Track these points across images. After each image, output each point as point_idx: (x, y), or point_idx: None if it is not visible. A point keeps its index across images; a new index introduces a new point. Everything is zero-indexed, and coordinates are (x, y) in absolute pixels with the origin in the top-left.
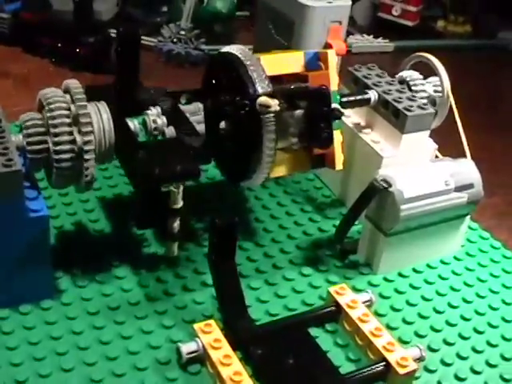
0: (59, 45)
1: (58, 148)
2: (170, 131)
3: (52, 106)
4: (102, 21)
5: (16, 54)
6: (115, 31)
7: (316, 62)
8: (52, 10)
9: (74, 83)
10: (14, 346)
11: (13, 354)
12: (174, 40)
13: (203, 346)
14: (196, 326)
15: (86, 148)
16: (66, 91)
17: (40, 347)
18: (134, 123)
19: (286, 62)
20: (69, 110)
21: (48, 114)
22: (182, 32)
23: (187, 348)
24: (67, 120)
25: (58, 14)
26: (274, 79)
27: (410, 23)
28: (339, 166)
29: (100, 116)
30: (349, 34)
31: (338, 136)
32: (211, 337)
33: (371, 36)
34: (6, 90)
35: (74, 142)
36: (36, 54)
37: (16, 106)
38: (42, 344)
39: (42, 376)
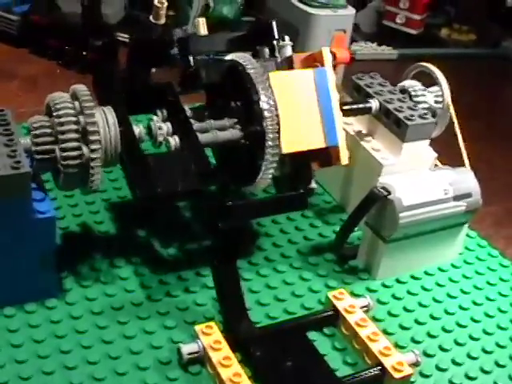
0: (66, 47)
1: (64, 154)
2: (174, 141)
3: (60, 113)
4: (110, 24)
5: (23, 56)
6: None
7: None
8: (60, 13)
9: (82, 88)
10: (18, 343)
11: (17, 352)
12: None
13: (204, 347)
14: (197, 327)
15: (93, 156)
16: (74, 96)
17: (44, 345)
18: (139, 128)
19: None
20: (76, 116)
21: (56, 120)
22: None
23: (188, 349)
24: (74, 126)
25: (66, 17)
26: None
27: (414, 31)
28: (345, 160)
29: (106, 122)
30: (353, 40)
31: (342, 132)
32: (211, 338)
33: (375, 43)
34: (13, 91)
35: (80, 148)
36: (43, 56)
37: (22, 107)
38: (47, 342)
39: (45, 373)
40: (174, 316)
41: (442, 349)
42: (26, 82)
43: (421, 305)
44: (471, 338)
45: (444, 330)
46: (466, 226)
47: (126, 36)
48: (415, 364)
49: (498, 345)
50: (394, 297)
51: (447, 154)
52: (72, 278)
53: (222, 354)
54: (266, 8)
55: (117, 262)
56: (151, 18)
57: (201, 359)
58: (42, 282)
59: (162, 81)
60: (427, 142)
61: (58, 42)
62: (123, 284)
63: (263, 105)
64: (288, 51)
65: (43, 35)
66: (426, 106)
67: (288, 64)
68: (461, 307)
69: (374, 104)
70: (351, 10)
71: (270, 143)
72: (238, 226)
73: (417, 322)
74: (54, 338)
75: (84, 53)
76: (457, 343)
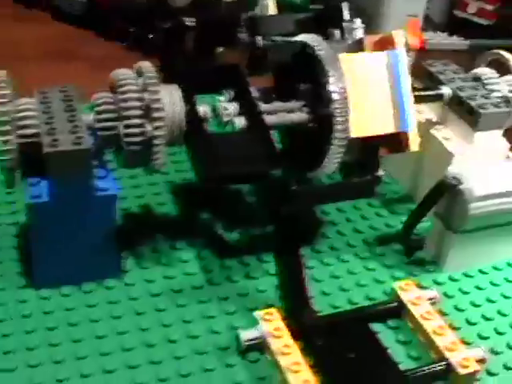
0: (132, 29)
1: (127, 131)
2: (240, 122)
3: (124, 89)
4: (177, 7)
5: (88, 37)
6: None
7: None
8: None
9: (147, 65)
10: (75, 322)
11: (74, 331)
12: None
13: (263, 334)
14: (257, 313)
15: (157, 133)
16: (139, 73)
17: (101, 325)
18: (205, 108)
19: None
20: (140, 93)
21: (119, 96)
22: None
23: (247, 335)
24: (138, 103)
25: None
26: None
27: (486, 22)
28: (415, 147)
29: (172, 99)
30: (423, 30)
31: (413, 118)
32: (272, 325)
33: (446, 33)
34: (76, 72)
35: (143, 125)
36: (108, 38)
37: (84, 87)
38: (103, 322)
39: (102, 354)
40: (233, 301)
41: (509, 347)
42: (90, 64)
43: (489, 300)
44: None
45: None
46: None
47: (192, 20)
48: (482, 361)
49: None
50: (461, 291)
51: None
52: (132, 260)
53: (282, 341)
54: None
55: (178, 245)
56: None
57: (260, 346)
58: (101, 261)
59: (230, 62)
60: (500, 131)
61: (123, 23)
62: (184, 267)
63: (332, 87)
64: (359, 33)
65: (109, 17)
66: (499, 94)
67: (359, 46)
68: None
69: (445, 91)
70: None
71: (338, 127)
72: (300, 211)
73: (484, 317)
74: (112, 319)
75: (149, 35)
76: None
